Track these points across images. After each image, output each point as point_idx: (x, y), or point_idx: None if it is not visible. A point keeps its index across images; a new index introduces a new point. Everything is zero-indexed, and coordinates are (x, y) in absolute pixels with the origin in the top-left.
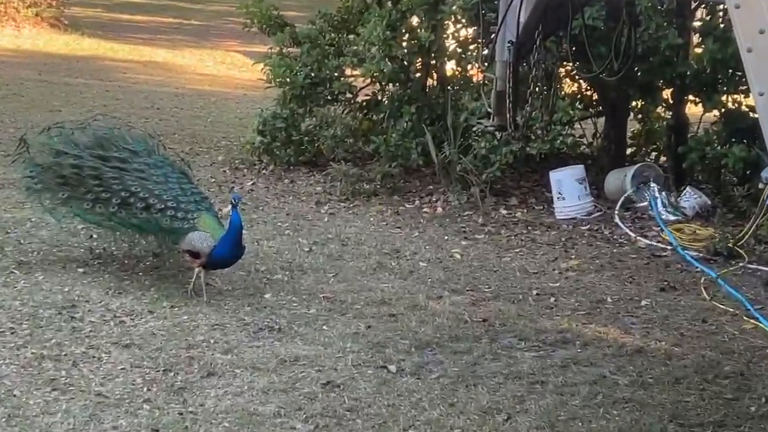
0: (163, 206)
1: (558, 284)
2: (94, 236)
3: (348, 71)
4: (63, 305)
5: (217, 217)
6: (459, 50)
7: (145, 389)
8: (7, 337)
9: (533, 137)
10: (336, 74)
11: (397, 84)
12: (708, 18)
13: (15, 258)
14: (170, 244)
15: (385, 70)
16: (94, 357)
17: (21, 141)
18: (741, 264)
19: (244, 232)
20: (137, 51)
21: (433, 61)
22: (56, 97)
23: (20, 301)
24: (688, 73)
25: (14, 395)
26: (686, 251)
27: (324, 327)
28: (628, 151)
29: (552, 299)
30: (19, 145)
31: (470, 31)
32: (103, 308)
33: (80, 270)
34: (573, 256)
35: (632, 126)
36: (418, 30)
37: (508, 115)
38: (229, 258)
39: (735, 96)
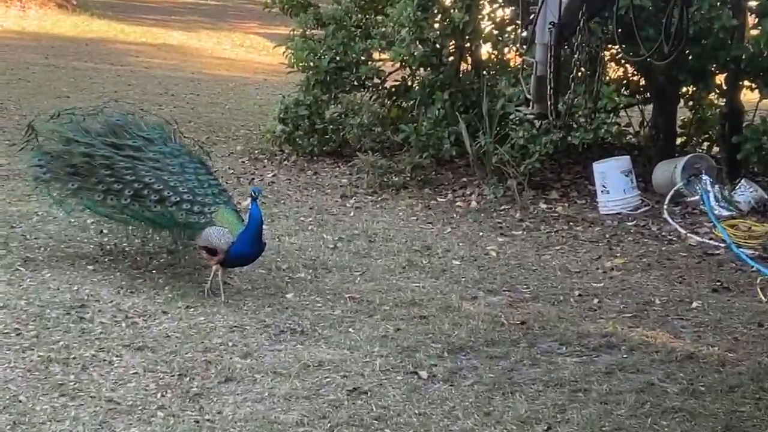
0: (178, 199)
1: (602, 284)
2: (105, 231)
3: (376, 55)
4: (71, 305)
5: (236, 211)
6: (495, 32)
7: (158, 395)
8: (12, 338)
9: (575, 126)
10: (363, 58)
11: (429, 68)
12: None
13: (20, 254)
14: (186, 240)
15: (415, 54)
16: (104, 360)
17: (29, 128)
18: None
19: (264, 227)
20: (150, 33)
21: (468, 44)
22: (64, 82)
23: (26, 301)
24: (744, 56)
25: (20, 401)
26: (741, 249)
27: (350, 329)
28: (678, 141)
29: (595, 301)
30: (27, 132)
31: (507, 11)
32: (114, 308)
33: (90, 267)
34: (618, 255)
35: (682, 114)
36: (452, 10)
37: (548, 102)
38: (248, 255)
39: None
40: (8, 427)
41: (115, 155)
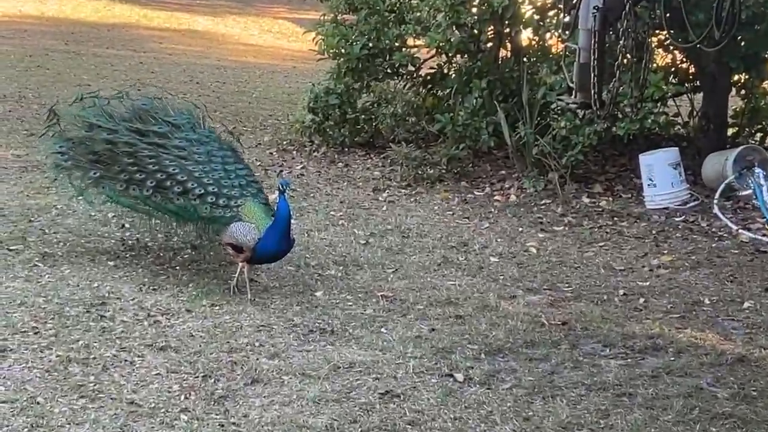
0: (202, 191)
1: (648, 283)
2: (127, 225)
3: (410, 41)
4: (91, 302)
5: (265, 203)
6: (536, 17)
7: (182, 397)
8: (30, 337)
9: (621, 116)
10: (397, 44)
11: (466, 55)
12: None
13: (39, 249)
14: (211, 235)
15: (452, 40)
16: (125, 361)
17: (50, 112)
18: None
19: (292, 222)
20: (174, 18)
21: (507, 29)
22: (84, 69)
23: (44, 298)
24: None
25: (37, 402)
26: None
27: (382, 329)
28: (729, 131)
29: (641, 300)
30: (49, 116)
31: None
32: (136, 306)
33: (111, 263)
34: (665, 252)
35: (734, 103)
36: None
37: (592, 91)
38: (275, 252)
39: None
40: (26, 429)
41: (139, 142)
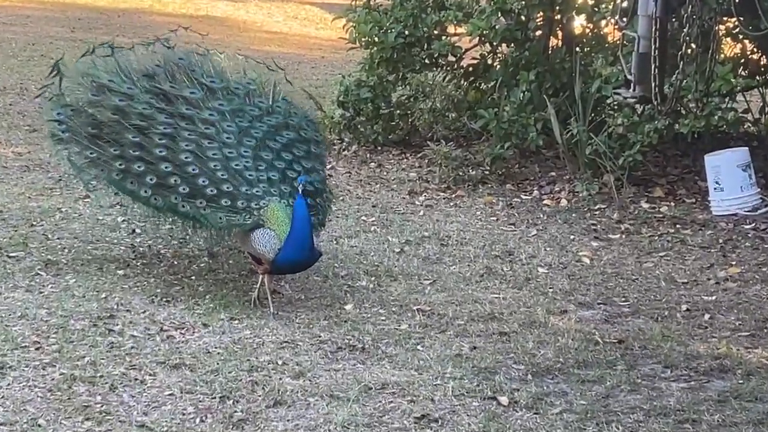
0: (214, 191)
1: (714, 298)
2: (138, 231)
3: (451, 28)
4: (99, 315)
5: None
6: (591, 2)
7: (197, 420)
8: (31, 353)
9: (684, 112)
10: (436, 32)
11: (512, 44)
12: None
13: (41, 257)
14: (230, 241)
15: (497, 27)
16: (136, 380)
17: (54, 68)
18: None
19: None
20: (191, 3)
21: (558, 16)
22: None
23: (47, 310)
24: None
25: (39, 425)
26: None
27: (418, 347)
28: None
29: (706, 316)
30: (52, 71)
31: None
32: (148, 320)
33: (120, 272)
34: (733, 263)
35: None
36: None
37: (652, 84)
38: (297, 263)
39: None
40: None
41: (158, 114)
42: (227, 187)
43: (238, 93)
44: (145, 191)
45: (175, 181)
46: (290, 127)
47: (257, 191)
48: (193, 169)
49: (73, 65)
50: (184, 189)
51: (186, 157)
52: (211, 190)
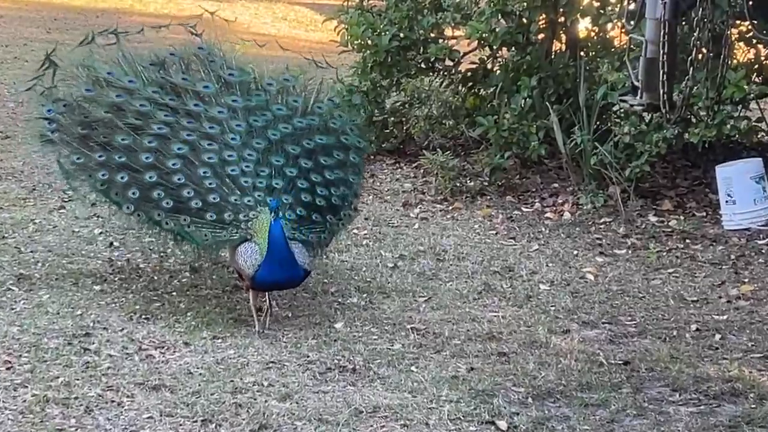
0: (199, 204)
1: (725, 317)
2: (116, 244)
3: (448, 31)
4: (74, 333)
5: (296, 216)
6: (596, 4)
7: None
8: (1, 373)
9: (694, 120)
10: (432, 35)
11: (513, 48)
12: None
13: (13, 271)
14: (215, 255)
15: (497, 30)
16: (113, 401)
17: (46, 60)
18: None
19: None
20: (174, 3)
21: (562, 19)
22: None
23: (19, 328)
24: None
25: None
26: None
27: (412, 368)
28: None
29: (717, 337)
30: (44, 63)
31: None
32: (126, 338)
33: (97, 288)
34: (746, 280)
35: None
36: None
37: (661, 91)
38: (277, 283)
39: None
40: None
41: (157, 111)
42: (213, 198)
43: (268, 89)
44: (128, 207)
45: (159, 194)
46: (330, 130)
47: (248, 200)
48: (179, 179)
49: (67, 56)
50: (167, 204)
51: (174, 164)
52: (196, 203)
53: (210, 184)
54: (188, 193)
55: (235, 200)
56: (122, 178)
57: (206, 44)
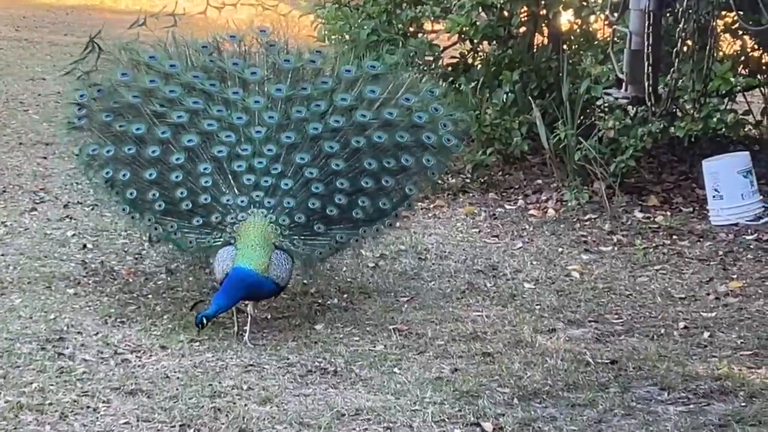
0: (189, 205)
1: (714, 314)
2: (89, 246)
3: (428, 25)
4: (47, 338)
5: (287, 224)
6: None
7: None
8: None
9: (680, 113)
10: (412, 29)
11: (495, 42)
12: None
13: None
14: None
15: (477, 24)
16: (88, 407)
17: (90, 43)
18: None
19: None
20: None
21: (544, 11)
22: (38, 60)
23: None
24: None
25: None
26: None
27: (395, 369)
28: None
29: (706, 334)
30: (87, 47)
31: None
32: (101, 342)
33: (70, 291)
34: (734, 276)
35: None
36: None
37: (646, 83)
38: (246, 296)
39: None
40: None
41: (184, 98)
42: (204, 199)
43: (344, 76)
44: (124, 208)
45: (154, 195)
46: (412, 127)
47: (242, 201)
48: (176, 177)
49: (114, 42)
50: (159, 206)
51: (177, 159)
52: (187, 204)
53: (206, 182)
54: (181, 193)
55: (227, 201)
56: (124, 176)
57: (267, 28)
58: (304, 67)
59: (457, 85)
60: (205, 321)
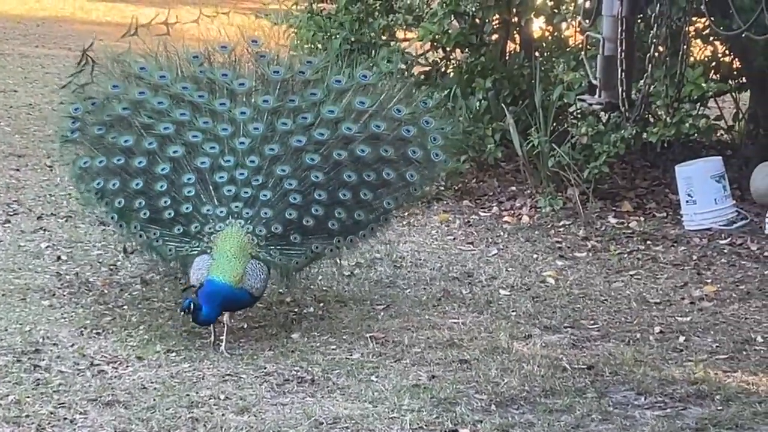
0: (171, 214)
1: (689, 318)
2: (63, 258)
3: (400, 33)
4: (23, 350)
5: (265, 234)
6: (550, 3)
7: None
8: None
9: (653, 119)
10: (384, 38)
11: (467, 50)
12: None
13: None
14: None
15: (450, 32)
16: (65, 419)
17: (84, 56)
18: None
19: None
20: (116, 10)
21: (516, 18)
22: (9, 72)
23: None
24: None
25: None
26: None
27: (372, 377)
28: None
29: (681, 339)
30: (81, 60)
31: None
32: (77, 354)
33: (45, 303)
34: (709, 281)
35: None
36: None
37: (619, 89)
38: (221, 306)
39: None
40: None
41: (171, 110)
42: (186, 208)
43: (334, 87)
44: (113, 216)
45: (140, 204)
46: (399, 140)
47: (220, 211)
48: (161, 186)
49: (108, 52)
50: (144, 214)
51: (162, 169)
52: (169, 213)
53: (188, 192)
54: (165, 202)
55: (207, 210)
56: (114, 185)
57: (259, 39)
58: (293, 78)
59: (430, 93)
60: (192, 307)
